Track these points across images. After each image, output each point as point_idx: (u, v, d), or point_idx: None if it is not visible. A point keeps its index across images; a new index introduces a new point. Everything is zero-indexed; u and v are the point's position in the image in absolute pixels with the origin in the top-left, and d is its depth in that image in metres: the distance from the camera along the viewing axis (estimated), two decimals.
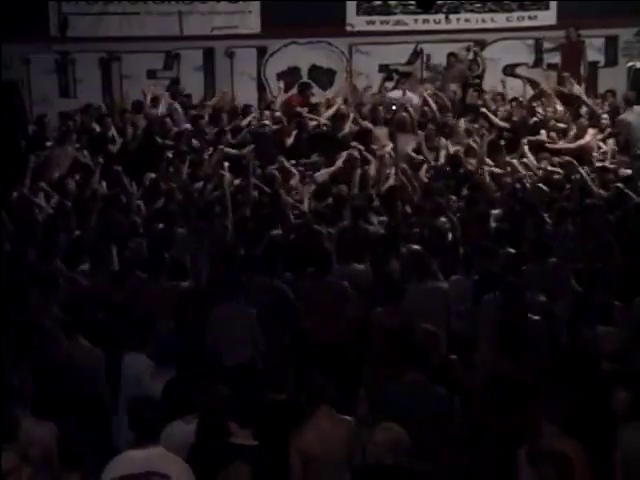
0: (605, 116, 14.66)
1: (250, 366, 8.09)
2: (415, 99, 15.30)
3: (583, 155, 13.37)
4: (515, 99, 15.39)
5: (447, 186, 11.65)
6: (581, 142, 13.81)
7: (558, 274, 8.77)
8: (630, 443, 5.85)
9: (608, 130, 14.37)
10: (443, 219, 10.35)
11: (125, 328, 7.78)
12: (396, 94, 15.57)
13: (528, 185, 11.68)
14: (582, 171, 11.82)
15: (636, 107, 14.63)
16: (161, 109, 14.68)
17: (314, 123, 14.59)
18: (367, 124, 14.37)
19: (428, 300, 8.38)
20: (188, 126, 14.22)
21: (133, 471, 5.52)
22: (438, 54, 16.59)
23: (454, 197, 11.18)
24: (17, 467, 5.66)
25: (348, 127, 14.17)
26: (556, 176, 12.16)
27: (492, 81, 16.45)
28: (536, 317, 7.75)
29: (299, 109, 14.92)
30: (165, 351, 7.26)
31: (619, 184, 11.40)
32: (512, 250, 9.16)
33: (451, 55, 16.38)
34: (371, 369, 7.92)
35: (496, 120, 14.50)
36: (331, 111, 14.89)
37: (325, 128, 14.44)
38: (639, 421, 5.91)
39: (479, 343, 7.88)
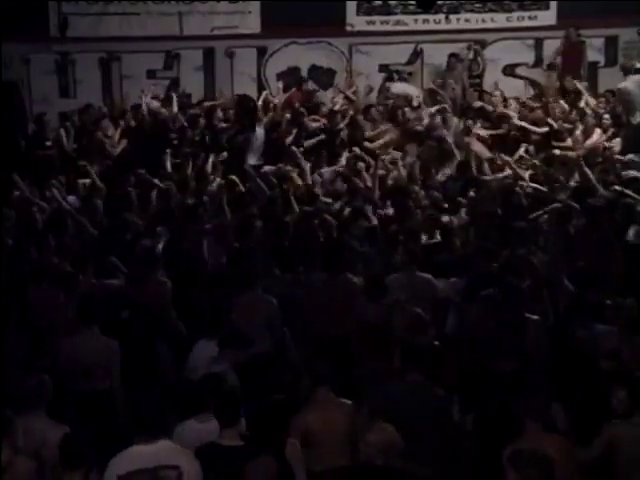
0: (607, 116, 14.62)
1: (265, 359, 7.90)
2: (420, 95, 15.32)
3: (588, 155, 13.32)
4: (516, 99, 15.38)
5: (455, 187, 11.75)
6: (589, 143, 13.77)
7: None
8: (628, 442, 5.85)
9: (611, 130, 14.32)
10: (446, 218, 10.43)
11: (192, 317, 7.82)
12: (398, 88, 15.59)
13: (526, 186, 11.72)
14: (587, 171, 11.81)
15: (633, 76, 14.59)
16: (175, 109, 14.69)
17: (316, 124, 14.60)
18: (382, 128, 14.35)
19: (413, 290, 8.38)
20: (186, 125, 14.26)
21: (141, 466, 5.44)
22: (438, 54, 16.57)
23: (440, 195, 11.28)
24: (11, 462, 5.65)
25: (343, 124, 14.18)
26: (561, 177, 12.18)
27: (492, 81, 16.47)
28: (535, 317, 7.76)
29: (302, 109, 14.92)
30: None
31: (617, 187, 11.38)
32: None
33: (452, 56, 16.36)
34: (361, 365, 7.91)
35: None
36: (336, 108, 14.90)
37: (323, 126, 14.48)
38: (637, 419, 5.92)
39: (473, 340, 7.88)
